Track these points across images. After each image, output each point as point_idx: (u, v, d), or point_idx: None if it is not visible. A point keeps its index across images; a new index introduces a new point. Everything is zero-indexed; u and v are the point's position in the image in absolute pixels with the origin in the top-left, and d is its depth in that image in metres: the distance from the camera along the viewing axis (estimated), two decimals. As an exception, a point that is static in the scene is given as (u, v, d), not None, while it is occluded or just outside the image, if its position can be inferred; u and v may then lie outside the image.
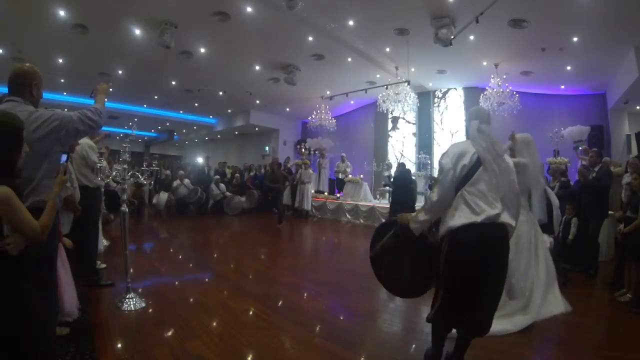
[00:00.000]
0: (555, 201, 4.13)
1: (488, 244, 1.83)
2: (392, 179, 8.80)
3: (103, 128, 2.56)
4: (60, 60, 8.77)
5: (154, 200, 9.81)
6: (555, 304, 2.95)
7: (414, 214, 2.05)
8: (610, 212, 4.97)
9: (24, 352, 1.44)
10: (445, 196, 1.90)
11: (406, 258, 2.18)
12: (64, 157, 2.08)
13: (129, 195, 8.85)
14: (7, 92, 1.96)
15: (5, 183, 1.42)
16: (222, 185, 10.94)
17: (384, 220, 2.52)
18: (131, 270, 3.42)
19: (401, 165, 8.88)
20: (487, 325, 1.95)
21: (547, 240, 3.67)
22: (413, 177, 8.71)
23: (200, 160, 14.77)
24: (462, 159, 1.90)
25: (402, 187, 8.03)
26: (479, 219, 1.80)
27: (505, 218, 1.86)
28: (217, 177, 11.23)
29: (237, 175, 11.96)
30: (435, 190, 1.95)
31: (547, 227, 3.87)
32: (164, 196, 9.92)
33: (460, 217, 1.84)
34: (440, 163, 1.97)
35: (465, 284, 1.85)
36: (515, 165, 3.15)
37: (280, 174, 10.65)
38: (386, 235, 2.27)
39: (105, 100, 2.27)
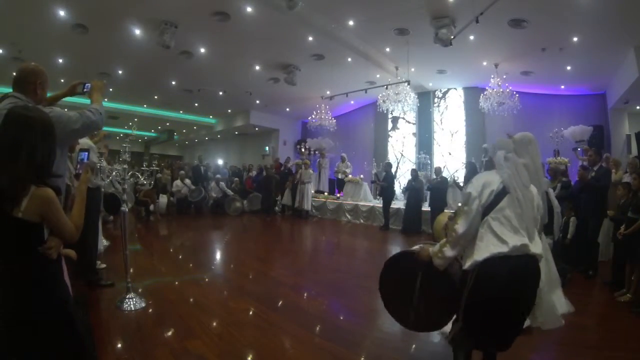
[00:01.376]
0: (556, 205, 4.13)
1: (518, 278, 1.72)
2: (379, 177, 9.28)
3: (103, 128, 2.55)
4: (60, 60, 8.77)
5: (152, 208, 9.54)
6: (558, 305, 2.94)
7: (437, 248, 1.91)
8: (608, 212, 4.97)
9: (76, 350, 1.47)
10: (472, 227, 1.80)
11: (424, 291, 2.09)
12: (84, 155, 2.08)
13: (141, 196, 8.82)
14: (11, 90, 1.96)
15: (48, 185, 1.40)
16: (223, 184, 10.94)
17: (397, 252, 2.38)
18: (131, 270, 3.42)
19: (387, 166, 9.17)
20: (509, 344, 1.88)
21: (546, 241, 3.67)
22: (421, 179, 8.83)
23: (220, 161, 14.96)
24: (488, 187, 1.82)
25: (388, 187, 8.63)
26: (505, 249, 1.70)
27: (534, 249, 1.76)
28: (219, 176, 11.24)
29: (237, 179, 11.95)
30: (460, 221, 1.81)
31: (547, 229, 3.86)
32: (163, 199, 9.91)
33: (486, 248, 1.73)
34: (464, 194, 1.88)
35: (490, 318, 1.77)
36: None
37: (272, 175, 10.77)
38: (401, 268, 2.19)
39: (103, 99, 2.24)
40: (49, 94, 2.11)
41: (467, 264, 1.80)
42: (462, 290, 1.86)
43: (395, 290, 2.24)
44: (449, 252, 1.85)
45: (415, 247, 2.18)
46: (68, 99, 2.52)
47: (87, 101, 2.22)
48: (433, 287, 2.04)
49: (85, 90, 2.41)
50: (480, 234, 1.79)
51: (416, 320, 2.17)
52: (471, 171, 8.23)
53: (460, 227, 1.80)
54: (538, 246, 1.80)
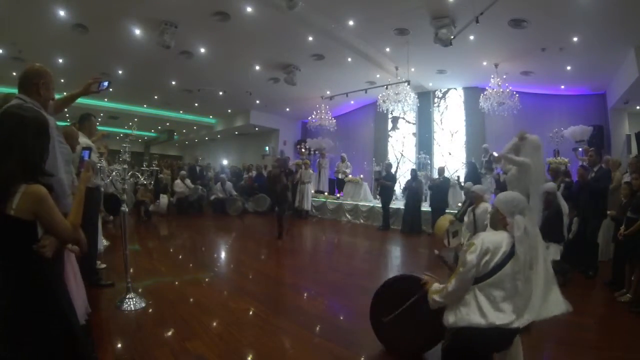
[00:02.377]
0: (565, 209, 4.14)
1: (493, 346, 1.88)
2: (381, 176, 9.31)
3: (102, 128, 2.54)
4: (60, 60, 8.77)
5: (151, 208, 9.39)
6: (556, 305, 2.94)
7: (433, 289, 2.03)
8: (608, 212, 4.97)
9: (69, 352, 1.46)
10: (462, 290, 1.89)
11: (410, 310, 2.31)
12: (86, 153, 2.07)
13: (139, 196, 8.82)
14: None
15: (40, 182, 1.40)
16: (229, 184, 10.94)
17: (411, 273, 2.59)
18: (131, 270, 3.42)
19: (388, 166, 9.30)
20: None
21: (555, 248, 3.73)
22: (420, 179, 8.93)
23: (225, 162, 14.99)
24: (489, 254, 1.86)
25: (387, 186, 8.78)
26: (483, 322, 1.79)
27: (517, 323, 1.83)
28: (223, 176, 11.25)
29: (246, 177, 12.03)
30: (452, 281, 1.90)
31: (555, 235, 3.88)
32: (164, 200, 9.91)
33: (467, 317, 1.83)
34: (465, 256, 1.89)
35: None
36: (520, 165, 3.18)
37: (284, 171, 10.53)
38: (405, 285, 2.40)
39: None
40: (60, 95, 2.10)
41: (447, 322, 1.91)
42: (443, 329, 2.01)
43: (389, 300, 2.51)
44: (438, 298, 1.96)
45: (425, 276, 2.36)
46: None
47: (100, 103, 2.21)
48: (419, 312, 2.22)
49: (101, 89, 2.37)
50: (465, 300, 1.87)
51: (388, 334, 2.51)
52: (472, 171, 8.25)
53: (451, 286, 1.90)
54: (522, 320, 1.84)
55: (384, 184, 8.86)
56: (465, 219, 4.93)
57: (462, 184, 7.82)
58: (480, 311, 1.80)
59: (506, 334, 1.83)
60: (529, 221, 1.99)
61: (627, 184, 4.33)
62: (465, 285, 1.87)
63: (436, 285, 2.04)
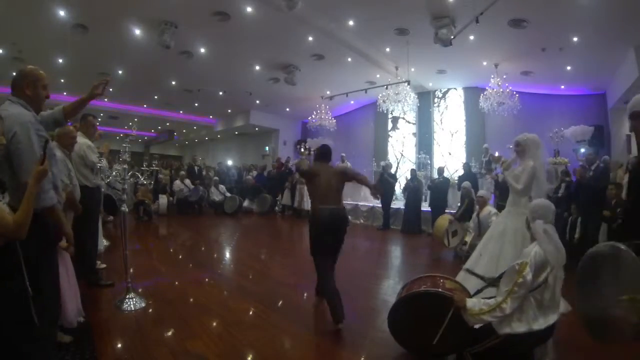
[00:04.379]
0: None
1: (543, 339, 2.09)
2: (385, 171, 9.30)
3: (102, 128, 2.55)
4: (60, 60, 8.76)
5: (153, 207, 9.40)
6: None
7: (475, 310, 2.01)
8: (604, 212, 4.97)
9: (6, 349, 1.45)
10: (517, 307, 1.97)
11: (448, 329, 2.19)
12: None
13: (139, 196, 8.81)
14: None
15: None
16: (222, 187, 10.96)
17: (433, 290, 2.37)
18: (131, 270, 3.42)
19: (387, 166, 9.34)
20: None
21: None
22: (420, 179, 8.93)
23: (229, 162, 15.08)
24: (541, 272, 1.97)
25: (389, 186, 8.86)
26: (541, 327, 1.94)
27: (558, 316, 2.05)
28: (216, 178, 11.26)
29: (249, 177, 12.06)
30: (509, 302, 1.94)
31: None
32: (163, 200, 9.90)
33: (525, 324, 1.95)
34: (524, 277, 1.94)
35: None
36: (531, 169, 3.18)
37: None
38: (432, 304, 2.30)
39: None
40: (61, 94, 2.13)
41: (502, 331, 1.98)
42: (480, 334, 2.09)
43: (419, 321, 2.37)
44: (487, 318, 2.00)
45: (446, 288, 2.34)
46: (68, 99, 2.51)
47: (100, 103, 2.24)
48: (457, 327, 2.16)
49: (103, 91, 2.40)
50: (520, 308, 2.00)
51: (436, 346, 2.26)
52: (467, 172, 8.25)
53: (508, 308, 1.96)
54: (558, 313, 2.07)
55: (387, 180, 8.81)
56: (471, 224, 4.99)
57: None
58: (536, 318, 1.96)
59: (551, 329, 2.01)
60: (550, 226, 2.07)
61: (619, 185, 4.31)
62: (520, 302, 1.96)
63: (473, 308, 2.03)
